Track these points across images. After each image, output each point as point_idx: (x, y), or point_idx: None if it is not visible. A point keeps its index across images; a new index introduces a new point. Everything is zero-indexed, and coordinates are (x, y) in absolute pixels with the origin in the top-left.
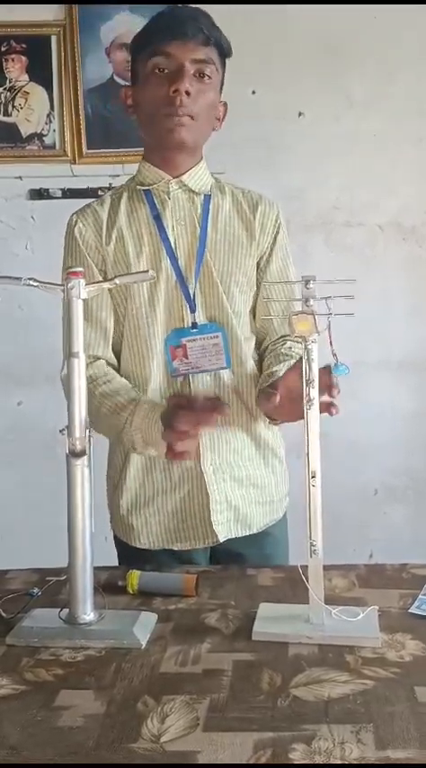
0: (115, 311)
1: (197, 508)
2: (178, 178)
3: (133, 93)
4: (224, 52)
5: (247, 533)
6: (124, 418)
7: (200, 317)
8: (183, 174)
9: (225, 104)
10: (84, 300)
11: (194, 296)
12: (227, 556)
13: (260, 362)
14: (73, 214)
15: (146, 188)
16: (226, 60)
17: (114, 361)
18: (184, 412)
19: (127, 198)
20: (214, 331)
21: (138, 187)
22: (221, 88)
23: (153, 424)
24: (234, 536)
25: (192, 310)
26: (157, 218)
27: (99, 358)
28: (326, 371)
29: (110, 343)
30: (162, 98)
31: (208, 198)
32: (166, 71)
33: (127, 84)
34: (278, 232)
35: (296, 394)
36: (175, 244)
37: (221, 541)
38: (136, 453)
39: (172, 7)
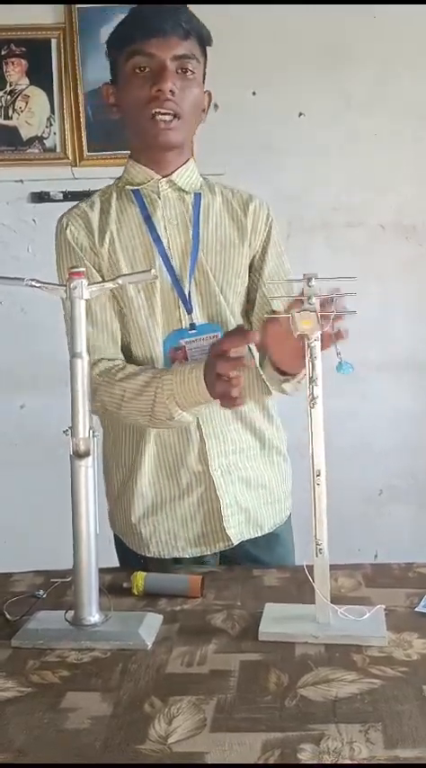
0: (120, 313)
1: (208, 513)
2: (167, 177)
3: (115, 93)
4: (204, 42)
5: (259, 534)
6: (151, 394)
7: (198, 318)
8: (172, 173)
9: (209, 94)
10: (88, 305)
11: (190, 296)
12: (237, 560)
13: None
14: (62, 216)
15: (135, 188)
16: (207, 49)
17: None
18: (223, 360)
19: (116, 198)
20: (213, 331)
21: (127, 187)
22: (204, 79)
23: (184, 386)
24: (246, 537)
25: (189, 311)
26: (148, 219)
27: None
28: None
29: (120, 345)
30: (145, 99)
31: (198, 197)
32: (148, 70)
33: (107, 82)
34: (270, 230)
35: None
36: (168, 244)
37: (234, 544)
38: (172, 424)
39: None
